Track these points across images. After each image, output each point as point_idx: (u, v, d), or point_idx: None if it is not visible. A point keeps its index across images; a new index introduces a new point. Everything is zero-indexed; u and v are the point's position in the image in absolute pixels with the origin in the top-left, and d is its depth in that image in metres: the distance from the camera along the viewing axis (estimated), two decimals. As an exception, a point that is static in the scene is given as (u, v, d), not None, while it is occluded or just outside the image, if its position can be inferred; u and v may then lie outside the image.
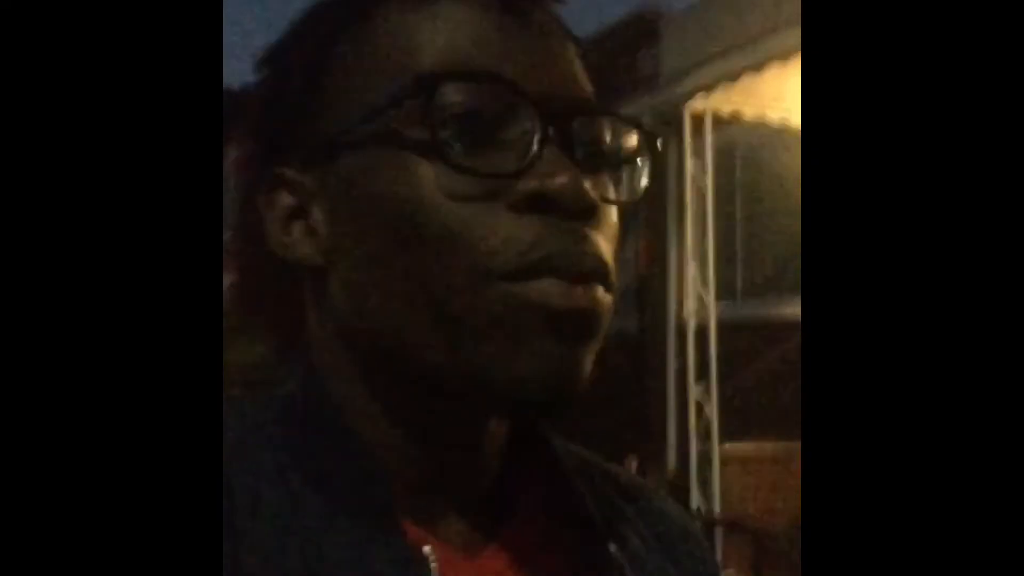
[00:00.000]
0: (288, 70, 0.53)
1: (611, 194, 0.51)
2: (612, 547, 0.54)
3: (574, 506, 0.55)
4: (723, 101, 6.29)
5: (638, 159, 0.53)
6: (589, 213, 0.48)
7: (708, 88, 6.09)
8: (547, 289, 0.47)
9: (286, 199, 0.52)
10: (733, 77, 5.90)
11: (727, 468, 5.85)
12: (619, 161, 0.52)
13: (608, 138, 0.51)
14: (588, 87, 0.52)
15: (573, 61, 0.52)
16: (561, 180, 0.47)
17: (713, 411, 5.92)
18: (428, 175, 0.47)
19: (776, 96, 6.04)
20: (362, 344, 0.51)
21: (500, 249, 0.47)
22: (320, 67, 0.52)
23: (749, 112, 6.36)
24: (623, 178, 0.53)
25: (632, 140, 0.53)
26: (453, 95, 0.47)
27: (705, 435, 6.01)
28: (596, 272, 0.48)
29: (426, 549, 0.48)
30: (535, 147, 0.48)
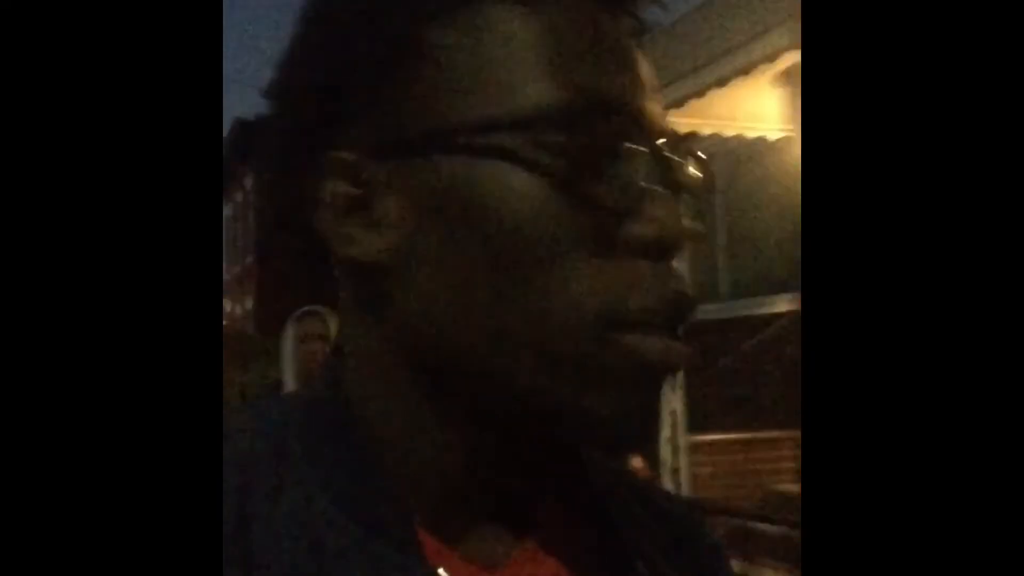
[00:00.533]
0: (362, 49, 0.48)
1: (698, 228, 0.48)
2: (640, 565, 0.52)
3: (599, 520, 0.53)
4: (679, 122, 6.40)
5: (707, 190, 0.50)
6: (682, 252, 0.47)
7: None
8: (648, 345, 0.45)
9: (345, 187, 0.47)
10: (700, 94, 5.98)
11: (692, 456, 6.02)
12: (696, 192, 0.50)
13: (692, 170, 0.49)
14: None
15: (655, 84, 0.50)
16: (671, 227, 0.45)
17: (679, 404, 6.04)
18: (542, 203, 0.44)
19: (729, 116, 6.27)
20: (420, 353, 0.47)
21: (611, 298, 0.45)
22: (409, 50, 0.47)
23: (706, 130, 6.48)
24: (697, 210, 0.50)
25: (703, 170, 0.50)
26: (587, 126, 0.45)
27: (673, 426, 6.14)
28: (688, 324, 0.47)
29: (441, 572, 0.46)
30: (643, 183, 0.46)
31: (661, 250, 0.46)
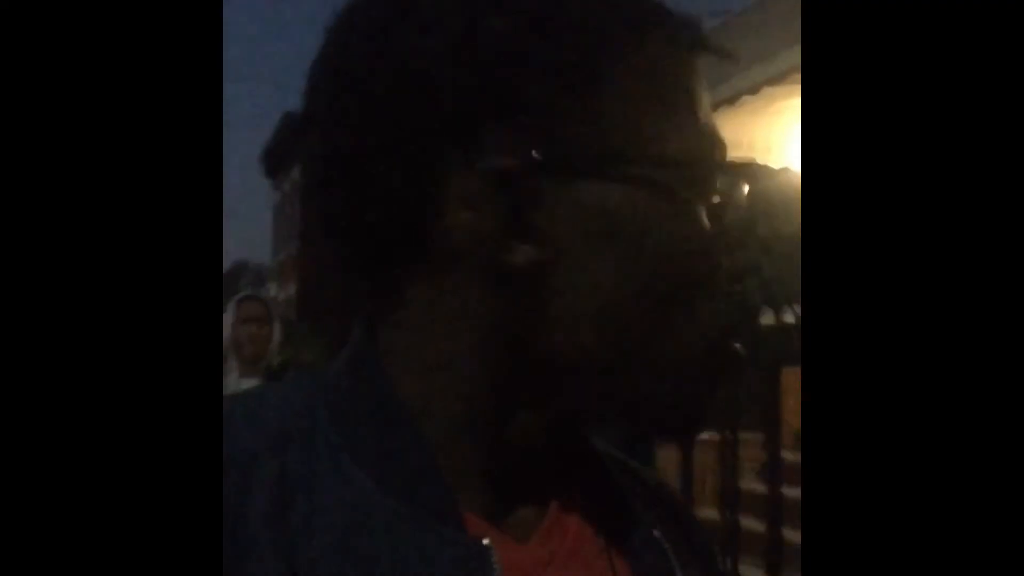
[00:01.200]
0: (553, 64, 0.48)
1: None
2: (656, 532, 0.56)
3: (615, 495, 0.56)
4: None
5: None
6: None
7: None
8: (741, 348, 0.52)
9: (506, 196, 0.47)
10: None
11: (662, 454, 6.07)
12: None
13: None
14: None
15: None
16: (741, 192, 0.51)
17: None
18: (697, 244, 0.49)
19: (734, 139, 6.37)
20: (531, 357, 0.50)
21: (725, 312, 0.51)
22: (587, 81, 0.48)
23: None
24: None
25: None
26: (711, 170, 0.50)
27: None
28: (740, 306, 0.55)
29: (485, 541, 0.48)
30: (718, 159, 0.51)
31: (737, 279, 0.53)
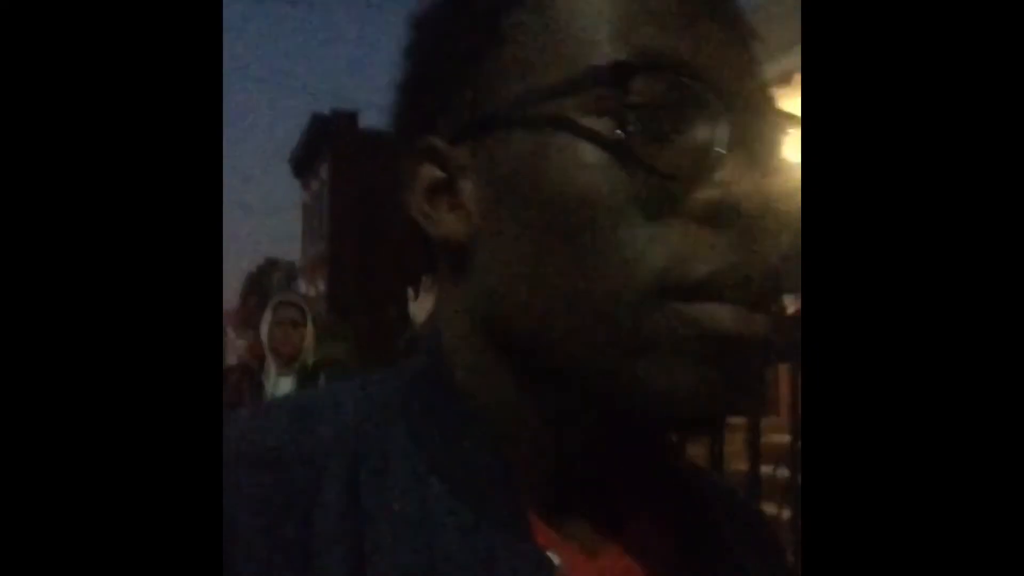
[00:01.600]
0: (447, 36, 0.49)
1: (789, 204, 0.46)
2: (737, 553, 0.52)
3: (695, 510, 0.53)
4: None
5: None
6: (767, 225, 0.44)
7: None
8: (721, 314, 0.43)
9: (432, 171, 0.49)
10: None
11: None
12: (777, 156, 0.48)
13: (786, 139, 0.48)
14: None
15: (752, 51, 0.48)
16: (746, 187, 0.43)
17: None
18: (601, 170, 0.43)
19: None
20: (500, 330, 0.48)
21: (673, 265, 0.43)
22: (485, 34, 0.48)
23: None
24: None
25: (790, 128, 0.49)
26: (643, 87, 0.43)
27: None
28: (771, 295, 0.45)
29: (553, 556, 0.46)
30: (721, 149, 0.44)
31: (726, 215, 0.44)
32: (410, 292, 3.57)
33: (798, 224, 0.45)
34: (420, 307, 3.42)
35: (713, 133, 0.44)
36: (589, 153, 0.44)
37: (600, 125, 0.44)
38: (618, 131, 0.43)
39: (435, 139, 0.49)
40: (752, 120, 0.46)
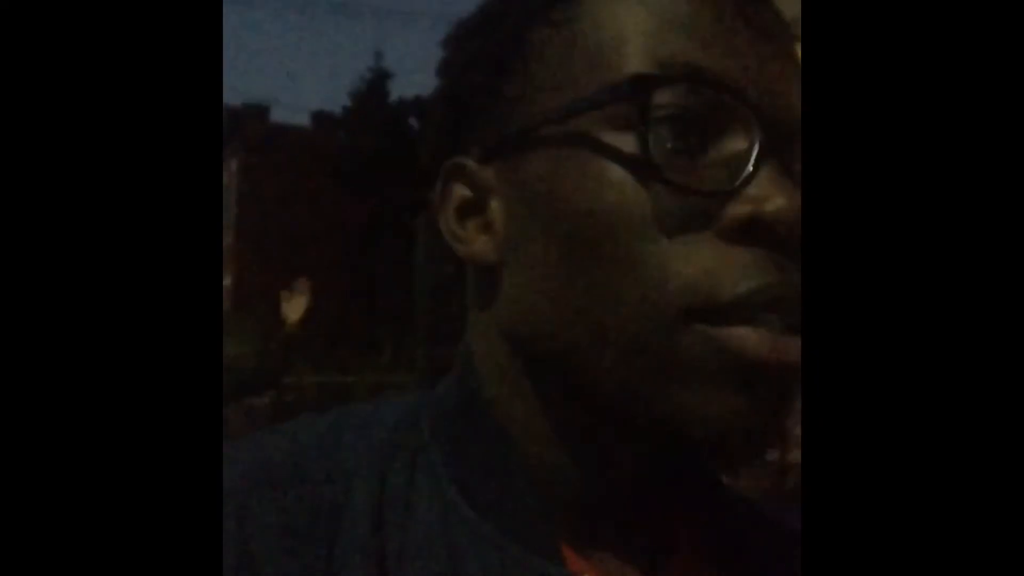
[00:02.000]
0: (476, 54, 0.49)
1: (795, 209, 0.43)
2: None
3: (741, 552, 0.50)
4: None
5: None
6: (797, 245, 0.42)
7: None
8: (749, 339, 0.41)
9: (462, 191, 0.48)
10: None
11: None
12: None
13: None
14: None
15: (795, 67, 0.46)
16: (779, 203, 0.41)
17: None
18: (625, 187, 0.42)
19: None
20: (526, 352, 0.47)
21: (700, 285, 0.41)
22: (513, 52, 0.47)
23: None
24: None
25: None
26: (668, 99, 0.42)
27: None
28: (795, 313, 0.42)
29: None
30: (751, 165, 0.42)
31: (757, 233, 0.42)
32: (284, 293, 3.54)
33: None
34: (292, 308, 3.38)
35: (744, 147, 0.43)
36: (612, 170, 0.43)
37: (623, 141, 0.43)
38: (642, 147, 0.42)
39: (465, 159, 0.48)
40: (786, 134, 0.44)
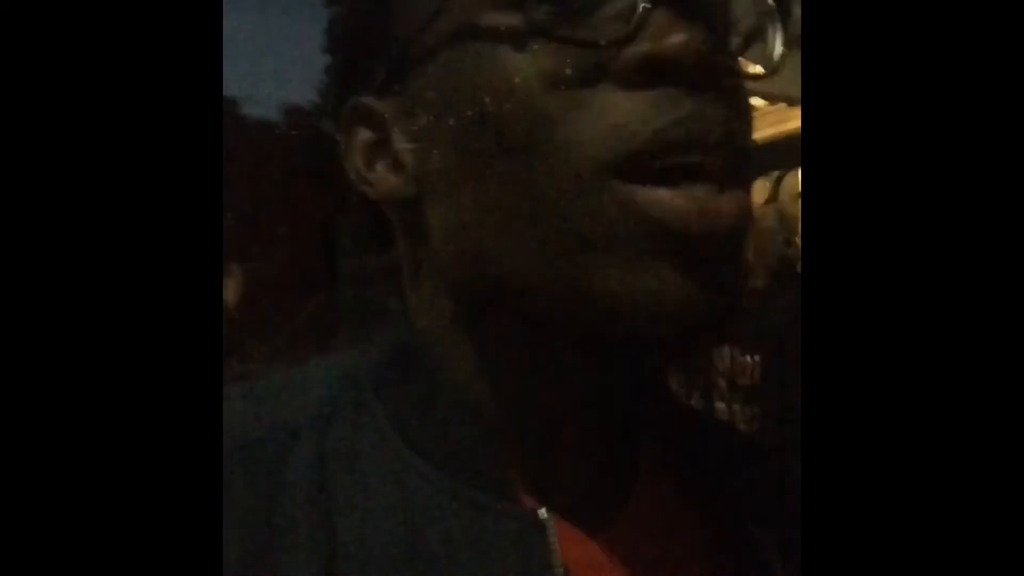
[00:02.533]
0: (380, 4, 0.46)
1: (740, 66, 0.41)
2: (754, 528, 0.48)
3: (705, 475, 0.49)
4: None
5: (768, 28, 0.44)
6: (715, 84, 0.39)
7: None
8: (673, 202, 0.37)
9: (364, 133, 0.46)
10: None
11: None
12: (746, 30, 0.43)
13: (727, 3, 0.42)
14: None
15: None
16: (678, 39, 0.38)
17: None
18: (517, 62, 0.39)
19: None
20: (462, 280, 0.44)
21: (609, 135, 0.38)
22: None
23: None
24: (751, 48, 0.43)
25: (757, 5, 0.43)
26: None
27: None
28: (735, 164, 0.39)
29: (542, 512, 0.43)
30: (641, 9, 0.38)
31: (661, 72, 0.38)
32: (225, 279, 3.50)
33: (744, 81, 0.40)
34: (230, 292, 3.36)
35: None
36: (500, 53, 0.40)
37: (503, 19, 0.40)
38: (530, 17, 0.39)
39: (360, 98, 0.46)
40: None
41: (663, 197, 0.38)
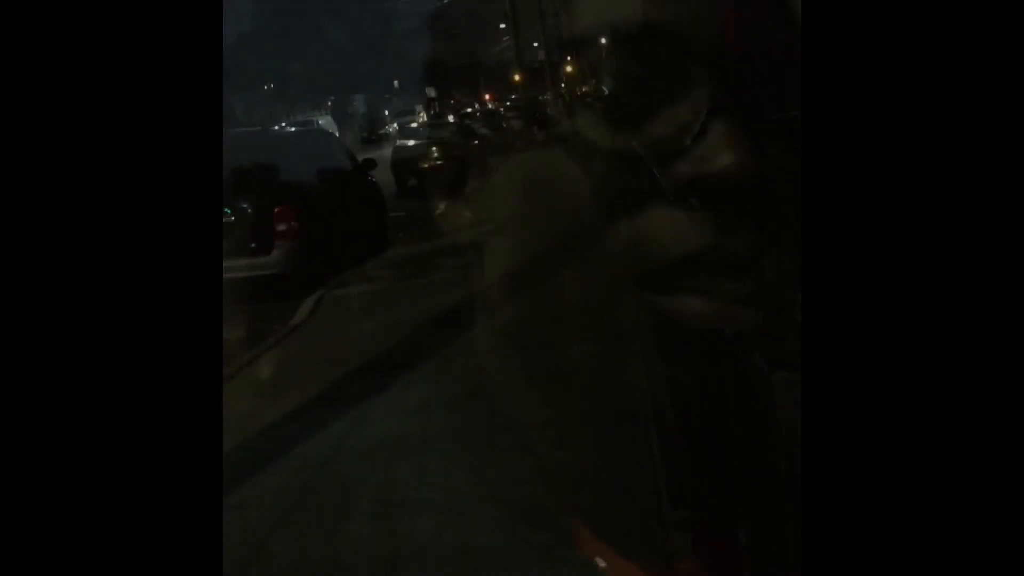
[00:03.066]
0: None
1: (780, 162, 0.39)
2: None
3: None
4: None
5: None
6: (751, 205, 0.37)
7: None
8: (693, 305, 0.37)
9: None
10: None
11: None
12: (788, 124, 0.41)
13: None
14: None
15: (749, 16, 0.41)
16: (726, 161, 0.37)
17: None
18: (584, 177, 0.37)
19: None
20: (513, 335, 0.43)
21: (648, 251, 0.37)
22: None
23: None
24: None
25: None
26: (615, 54, 0.38)
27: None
28: (755, 291, 0.38)
29: (599, 562, 0.41)
30: (700, 119, 0.37)
31: (702, 194, 0.38)
32: None
33: (785, 206, 0.40)
34: None
35: (695, 105, 0.39)
36: (576, 171, 0.39)
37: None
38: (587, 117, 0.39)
39: None
40: (737, 91, 0.41)
41: (685, 303, 0.37)
